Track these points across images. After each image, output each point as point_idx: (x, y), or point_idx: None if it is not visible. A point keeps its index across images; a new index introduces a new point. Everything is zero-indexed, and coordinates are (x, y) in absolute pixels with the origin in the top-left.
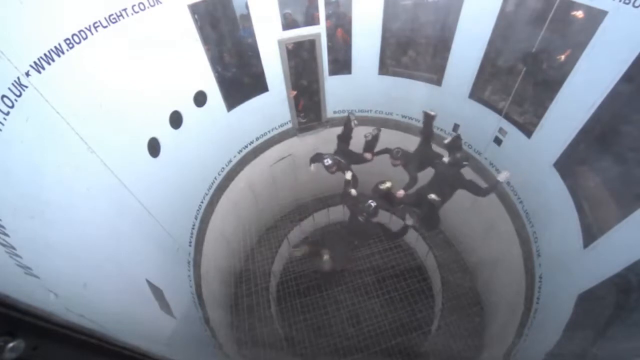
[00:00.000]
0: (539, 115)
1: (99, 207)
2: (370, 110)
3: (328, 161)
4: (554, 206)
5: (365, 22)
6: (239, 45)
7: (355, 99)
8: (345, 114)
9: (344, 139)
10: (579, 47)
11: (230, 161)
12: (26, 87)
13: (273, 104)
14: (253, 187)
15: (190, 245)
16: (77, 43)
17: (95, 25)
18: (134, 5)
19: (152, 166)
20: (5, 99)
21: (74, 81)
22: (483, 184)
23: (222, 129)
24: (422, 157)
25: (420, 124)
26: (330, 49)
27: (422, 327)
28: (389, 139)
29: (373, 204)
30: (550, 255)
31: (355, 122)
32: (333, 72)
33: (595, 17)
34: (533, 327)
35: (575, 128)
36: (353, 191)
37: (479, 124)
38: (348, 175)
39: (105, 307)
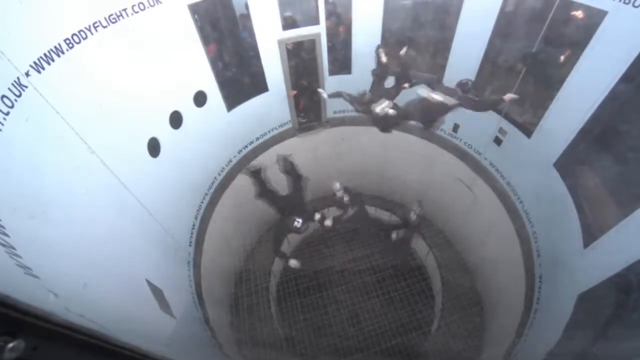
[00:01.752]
0: (539, 115)
1: (99, 207)
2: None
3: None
4: (554, 206)
5: (365, 22)
6: (239, 45)
7: None
8: (344, 115)
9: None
10: (579, 47)
11: (230, 161)
12: (26, 87)
13: (273, 104)
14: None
15: (190, 245)
16: (77, 43)
17: (95, 25)
18: (134, 5)
19: (152, 166)
20: (5, 99)
21: (74, 81)
22: None
23: (222, 129)
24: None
25: (421, 124)
26: (330, 49)
27: (422, 327)
28: (388, 138)
29: (298, 224)
30: (550, 255)
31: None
32: (333, 72)
33: (595, 17)
34: (533, 327)
35: (575, 128)
36: (328, 222)
37: (479, 124)
38: (317, 216)
39: (105, 307)
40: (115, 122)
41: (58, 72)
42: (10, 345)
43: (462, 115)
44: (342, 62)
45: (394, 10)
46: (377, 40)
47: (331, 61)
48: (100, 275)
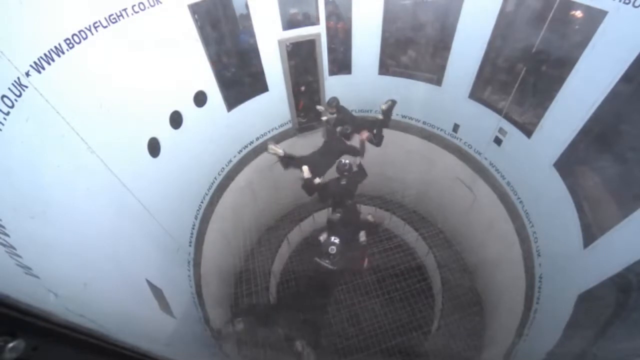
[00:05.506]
0: (539, 115)
1: (99, 207)
2: (370, 110)
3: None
4: (554, 206)
5: (365, 22)
6: (239, 45)
7: (355, 99)
8: None
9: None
10: (579, 47)
11: (230, 161)
12: (26, 87)
13: (273, 104)
14: (253, 187)
15: (190, 245)
16: (77, 43)
17: (95, 25)
18: (134, 5)
19: (152, 166)
20: (5, 99)
21: (74, 81)
22: None
23: (222, 129)
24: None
25: (421, 124)
26: (330, 49)
27: (422, 327)
28: (388, 138)
29: (337, 241)
30: (550, 255)
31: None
32: (333, 72)
33: (595, 17)
34: (533, 327)
35: (575, 128)
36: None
37: (479, 124)
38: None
39: (105, 307)
40: (116, 122)
41: (58, 72)
42: (10, 345)
43: (463, 116)
44: (342, 62)
45: (394, 10)
46: (377, 40)
47: (331, 61)
48: (100, 275)
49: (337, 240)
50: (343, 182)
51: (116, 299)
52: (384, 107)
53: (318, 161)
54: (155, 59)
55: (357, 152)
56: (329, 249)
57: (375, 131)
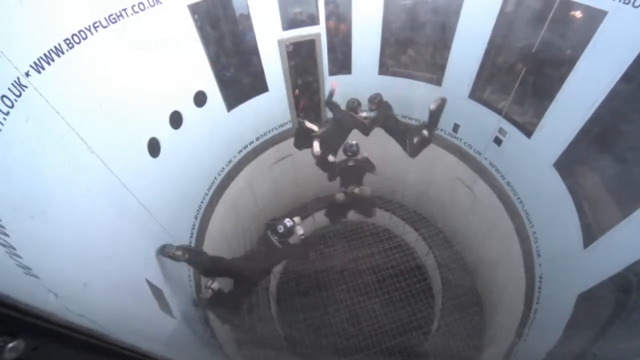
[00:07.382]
0: (539, 115)
1: (99, 207)
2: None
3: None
4: (554, 206)
5: (365, 22)
6: (239, 45)
7: None
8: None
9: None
10: (579, 47)
11: (230, 161)
12: (26, 87)
13: (273, 104)
14: (253, 187)
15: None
16: (77, 43)
17: (95, 25)
18: (134, 5)
19: (152, 166)
20: (5, 99)
21: (73, 81)
22: None
23: (222, 129)
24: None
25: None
26: (330, 49)
27: (422, 327)
28: (388, 138)
29: (289, 224)
30: (550, 255)
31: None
32: (333, 72)
33: (595, 17)
34: (533, 326)
35: (575, 128)
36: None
37: (479, 124)
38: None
39: (105, 307)
40: (116, 122)
41: (58, 72)
42: (10, 345)
43: (462, 116)
44: (342, 62)
45: (394, 10)
46: (377, 40)
47: (331, 61)
48: (100, 275)
49: (289, 223)
50: (350, 163)
51: (116, 299)
52: (432, 107)
53: (330, 137)
54: (155, 59)
55: (366, 130)
56: (278, 227)
57: (425, 132)
